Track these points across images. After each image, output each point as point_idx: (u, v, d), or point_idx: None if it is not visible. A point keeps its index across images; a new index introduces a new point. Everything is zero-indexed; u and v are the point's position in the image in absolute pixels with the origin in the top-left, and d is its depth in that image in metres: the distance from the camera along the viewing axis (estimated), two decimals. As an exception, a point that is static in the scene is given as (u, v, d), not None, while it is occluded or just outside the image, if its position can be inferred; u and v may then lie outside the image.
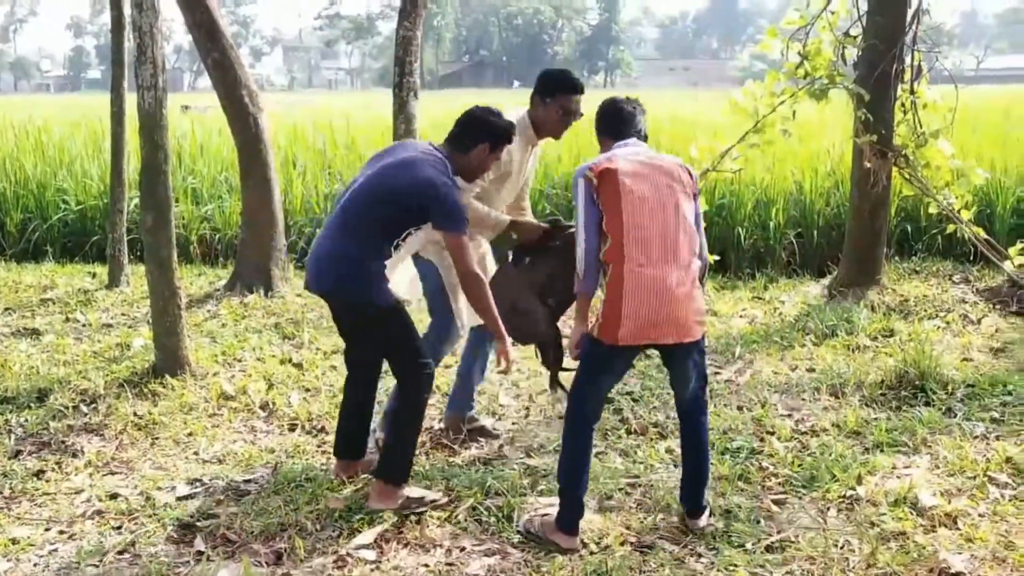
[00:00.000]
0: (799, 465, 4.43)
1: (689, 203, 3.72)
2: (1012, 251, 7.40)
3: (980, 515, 3.90)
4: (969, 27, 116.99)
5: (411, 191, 3.83)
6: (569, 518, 3.76)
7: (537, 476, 4.38)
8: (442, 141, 4.10)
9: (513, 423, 5.13)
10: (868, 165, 7.09)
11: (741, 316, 7.18)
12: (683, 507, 3.92)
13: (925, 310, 6.96)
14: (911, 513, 3.92)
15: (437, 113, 15.69)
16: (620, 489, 4.22)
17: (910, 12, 7.05)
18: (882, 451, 4.57)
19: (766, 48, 7.31)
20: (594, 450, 4.55)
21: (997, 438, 4.68)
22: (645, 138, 3.96)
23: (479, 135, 4.03)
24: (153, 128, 5.55)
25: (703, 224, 3.86)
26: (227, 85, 7.77)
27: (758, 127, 7.15)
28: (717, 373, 5.84)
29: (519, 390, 5.59)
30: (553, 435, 4.83)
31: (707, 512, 3.91)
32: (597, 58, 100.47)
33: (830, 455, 4.49)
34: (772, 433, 4.84)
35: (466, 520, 3.92)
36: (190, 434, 4.97)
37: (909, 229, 8.69)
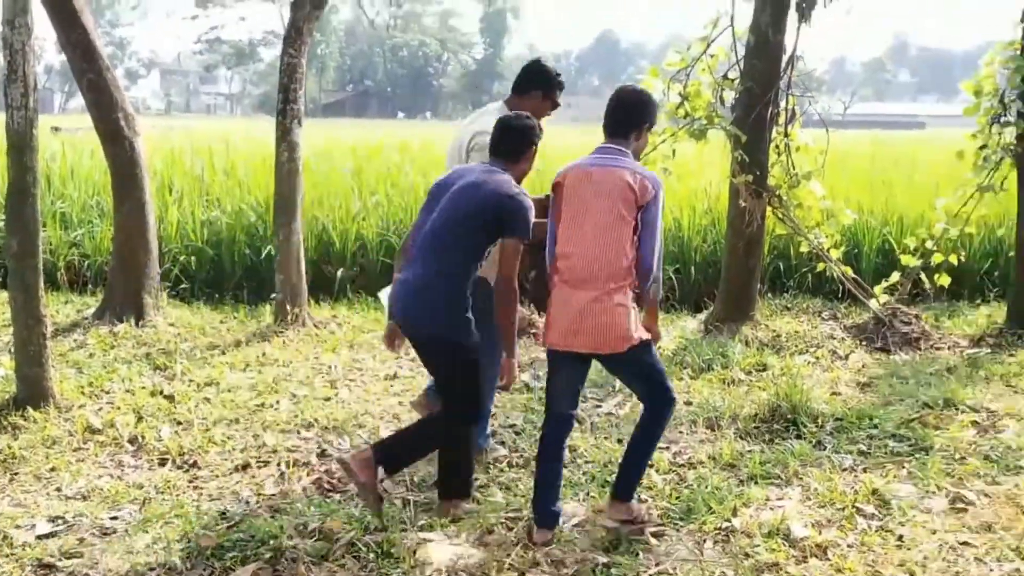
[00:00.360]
0: (677, 497, 4.49)
1: (626, 220, 3.79)
2: (877, 289, 7.75)
3: (849, 546, 4.01)
4: (838, 74, 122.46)
5: (491, 206, 3.96)
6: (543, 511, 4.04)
7: (418, 511, 4.32)
8: (490, 157, 4.21)
9: (394, 457, 5.04)
10: (744, 204, 7.32)
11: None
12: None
13: (796, 345, 7.18)
14: (784, 544, 4.00)
15: (319, 141, 15.55)
16: (501, 523, 4.19)
17: (785, 58, 7.33)
18: (756, 483, 4.67)
19: (648, 87, 7.48)
20: (475, 484, 4.58)
21: (864, 470, 4.84)
22: (630, 134, 3.98)
23: (525, 142, 4.19)
24: (23, 149, 5.32)
25: (656, 233, 3.87)
26: (102, 107, 7.51)
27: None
28: (598, 406, 5.89)
29: (400, 423, 5.52)
30: (433, 470, 4.77)
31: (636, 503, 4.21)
32: (482, 92, 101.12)
33: (706, 487, 4.57)
34: (651, 466, 4.89)
35: (344, 557, 3.84)
36: (52, 469, 4.73)
37: (781, 267, 8.99)
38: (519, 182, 4.17)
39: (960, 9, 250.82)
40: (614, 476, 4.29)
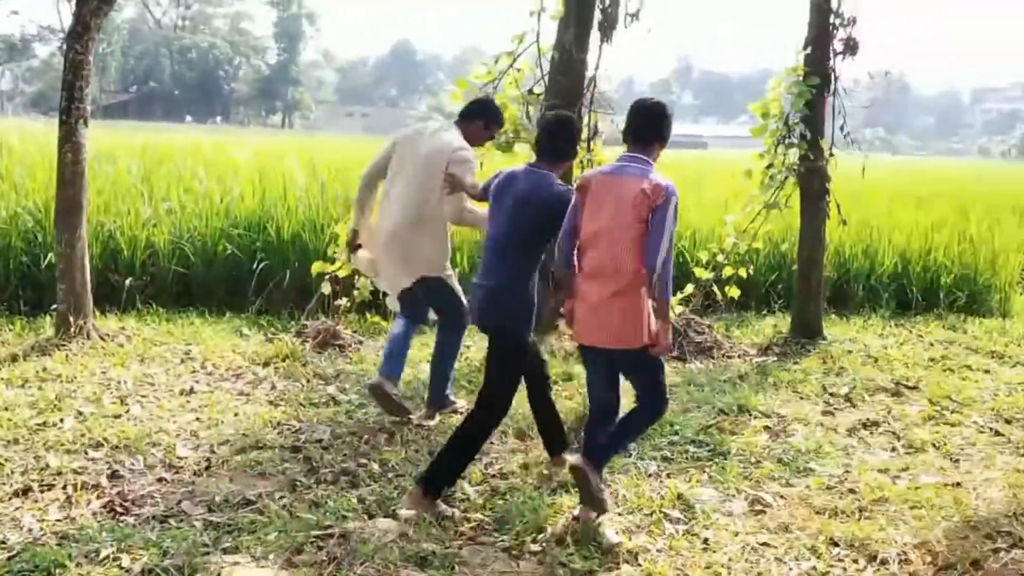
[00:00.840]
0: (491, 508, 4.48)
1: (639, 225, 4.08)
2: (673, 301, 8.03)
3: (658, 551, 4.12)
4: (627, 94, 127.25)
5: (547, 206, 4.41)
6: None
7: (222, 532, 4.11)
8: (535, 159, 4.64)
9: (195, 475, 4.78)
10: (549, 217, 7.42)
11: (430, 361, 7.20)
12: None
13: (598, 355, 7.34)
14: (596, 552, 4.06)
15: (104, 143, 14.67)
16: (311, 542, 4.04)
17: (587, 75, 7.50)
18: (567, 491, 4.72)
19: (456, 99, 7.50)
20: (282, 501, 4.41)
21: (668, 476, 5.00)
22: (651, 143, 4.31)
23: (573, 140, 4.68)
24: None
25: (662, 234, 4.07)
26: None
27: (447, 176, 7.26)
28: (409, 418, 5.80)
29: (199, 441, 5.24)
30: (236, 488, 4.57)
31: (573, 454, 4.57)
32: (276, 98, 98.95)
33: (519, 497, 4.58)
34: (463, 477, 4.86)
35: (143, 585, 3.59)
36: None
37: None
38: (561, 177, 4.63)
39: (739, 36, 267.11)
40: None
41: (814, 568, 4.02)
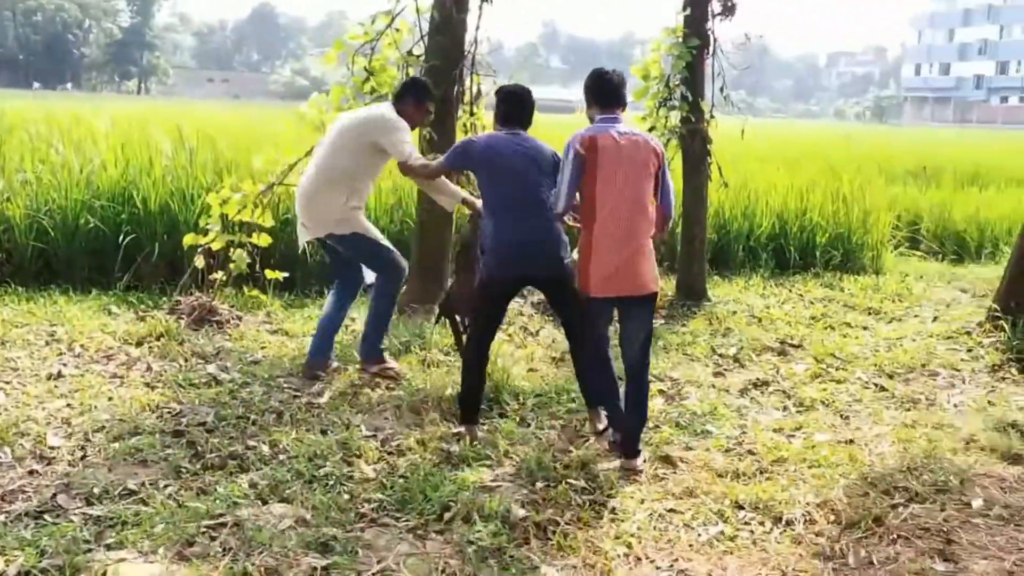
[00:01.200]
0: (391, 488, 4.31)
1: (650, 177, 4.58)
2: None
3: (567, 523, 4.02)
4: (495, 58, 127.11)
5: (553, 165, 4.86)
6: (618, 419, 4.78)
7: (104, 527, 3.81)
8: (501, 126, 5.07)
9: (69, 466, 4.43)
10: (433, 183, 7.21)
11: (313, 335, 6.94)
12: (620, 453, 4.71)
13: (488, 323, 7.21)
14: (504, 527, 3.94)
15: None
16: (203, 532, 3.79)
17: (468, 37, 7.29)
18: (469, 466, 4.59)
19: (331, 60, 7.19)
20: (168, 490, 4.15)
21: (570, 444, 4.91)
22: (624, 107, 4.79)
23: (531, 111, 5.11)
24: None
25: (671, 185, 4.74)
26: None
27: (325, 141, 6.97)
28: (295, 397, 5.55)
29: (71, 428, 4.88)
30: (116, 478, 4.26)
31: (642, 455, 4.71)
32: (129, 63, 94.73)
33: (420, 474, 4.41)
34: (359, 456, 4.67)
35: (18, 590, 3.29)
36: None
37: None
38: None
39: (606, 2, 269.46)
40: (320, 471, 4.00)
41: (722, 533, 4.00)
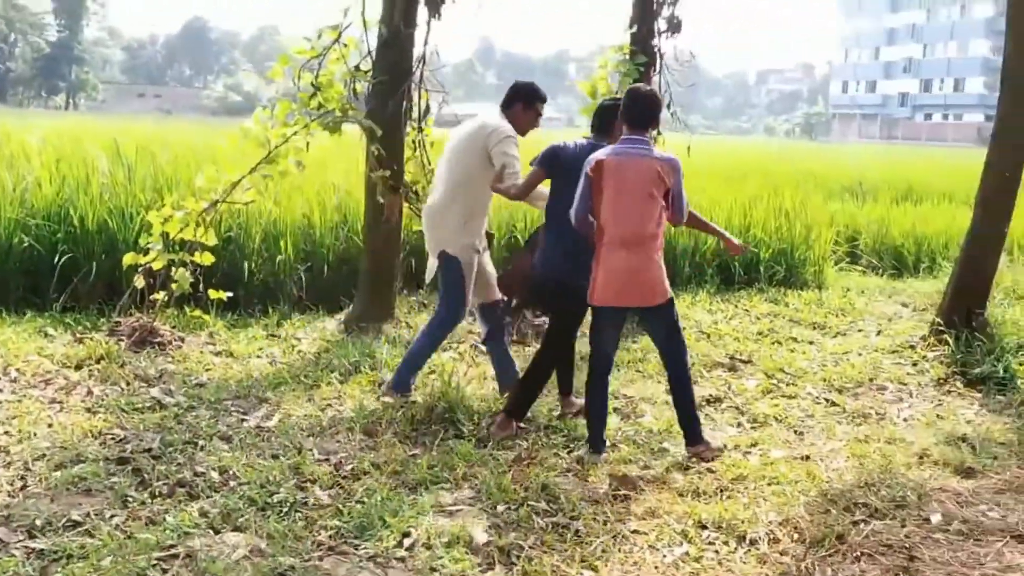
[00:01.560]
0: (348, 514, 4.19)
1: (656, 198, 4.82)
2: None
3: (531, 547, 3.95)
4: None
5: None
6: (595, 440, 5.06)
7: (48, 560, 3.64)
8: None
9: (9, 497, 4.23)
10: (381, 200, 7.12)
11: (259, 356, 6.79)
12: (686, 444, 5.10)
13: (438, 342, 7.11)
14: (467, 553, 3.86)
15: None
16: (154, 565, 3.64)
17: (416, 52, 7.22)
18: (427, 489, 4.49)
19: (277, 75, 7.07)
20: (114, 520, 3.99)
21: (528, 465, 4.84)
22: (648, 129, 5.02)
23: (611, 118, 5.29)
24: None
25: (684, 197, 4.98)
26: None
27: (271, 157, 6.85)
28: (243, 420, 5.40)
29: (9, 457, 4.67)
30: (60, 509, 4.08)
31: (703, 442, 5.06)
32: (57, 78, 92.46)
33: (377, 499, 4.30)
34: (313, 481, 4.54)
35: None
36: None
37: (414, 263, 8.84)
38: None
39: (538, 19, 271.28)
40: (274, 498, 3.87)
41: (687, 553, 3.96)
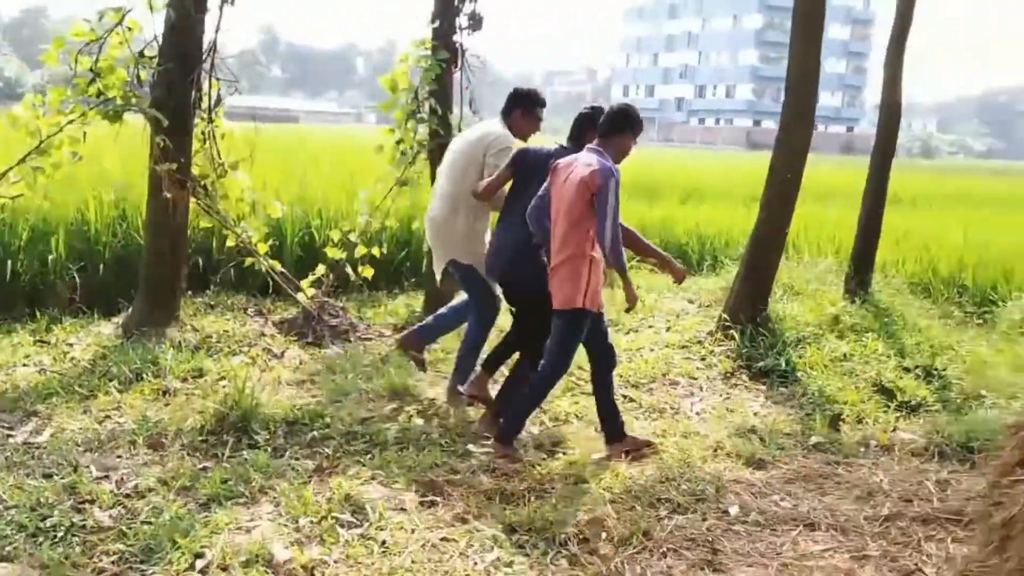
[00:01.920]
0: (133, 536, 3.86)
1: (582, 202, 4.86)
2: (304, 283, 7.62)
3: (336, 561, 3.77)
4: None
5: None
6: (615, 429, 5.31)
7: None
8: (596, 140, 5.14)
9: None
10: (167, 195, 6.67)
11: (26, 364, 6.21)
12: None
13: (229, 346, 6.74)
14: (267, 571, 3.63)
15: None
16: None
17: (207, 39, 6.81)
18: (220, 505, 4.21)
19: (52, 59, 6.48)
20: None
21: (330, 475, 4.63)
22: (598, 137, 5.11)
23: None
24: None
25: (606, 212, 4.81)
26: None
27: (42, 148, 6.28)
28: (10, 436, 4.90)
29: None
30: None
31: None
32: None
33: (166, 519, 3.98)
34: (92, 501, 4.16)
35: None
36: None
37: (201, 262, 8.36)
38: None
39: (324, 12, 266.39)
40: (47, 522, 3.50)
41: (499, 559, 3.89)
